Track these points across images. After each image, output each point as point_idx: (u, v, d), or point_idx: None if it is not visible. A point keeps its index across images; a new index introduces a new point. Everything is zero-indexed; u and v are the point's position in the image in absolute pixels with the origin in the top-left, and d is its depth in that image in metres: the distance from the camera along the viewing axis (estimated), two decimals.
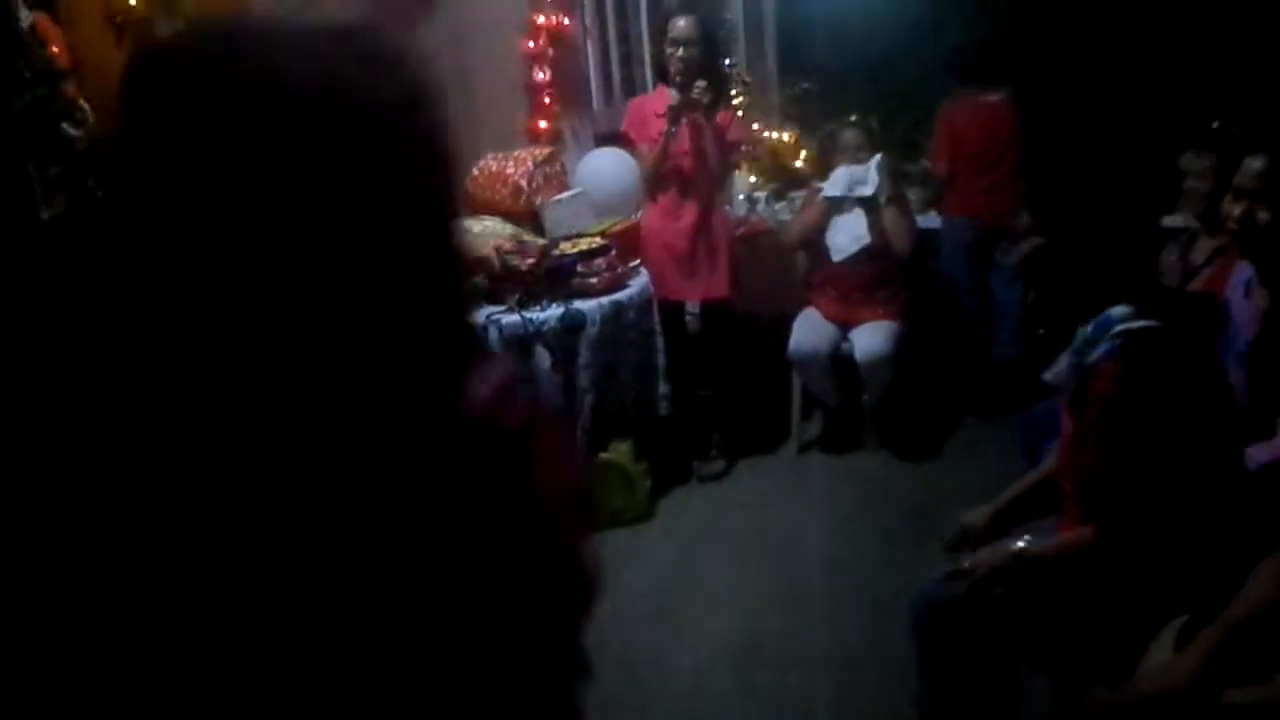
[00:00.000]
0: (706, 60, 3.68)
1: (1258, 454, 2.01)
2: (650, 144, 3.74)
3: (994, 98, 4.19)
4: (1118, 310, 1.80)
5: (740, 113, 3.90)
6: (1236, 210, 2.05)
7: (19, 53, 2.23)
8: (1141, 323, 1.76)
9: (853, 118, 4.18)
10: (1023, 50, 4.35)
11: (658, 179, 3.80)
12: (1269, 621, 1.34)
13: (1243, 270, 2.19)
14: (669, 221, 3.81)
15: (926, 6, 5.18)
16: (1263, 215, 2.03)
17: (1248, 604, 1.36)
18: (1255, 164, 2.04)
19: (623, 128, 3.94)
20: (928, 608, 2.01)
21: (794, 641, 2.86)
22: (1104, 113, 4.51)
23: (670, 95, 3.66)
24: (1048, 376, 2.00)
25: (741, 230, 4.33)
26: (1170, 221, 3.31)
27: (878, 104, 4.90)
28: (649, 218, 3.91)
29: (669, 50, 3.68)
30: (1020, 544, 1.89)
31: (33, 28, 2.26)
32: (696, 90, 3.58)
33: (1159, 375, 1.74)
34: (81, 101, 2.39)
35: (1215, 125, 3.27)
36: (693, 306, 3.94)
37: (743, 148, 4.24)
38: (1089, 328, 1.84)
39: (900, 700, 2.47)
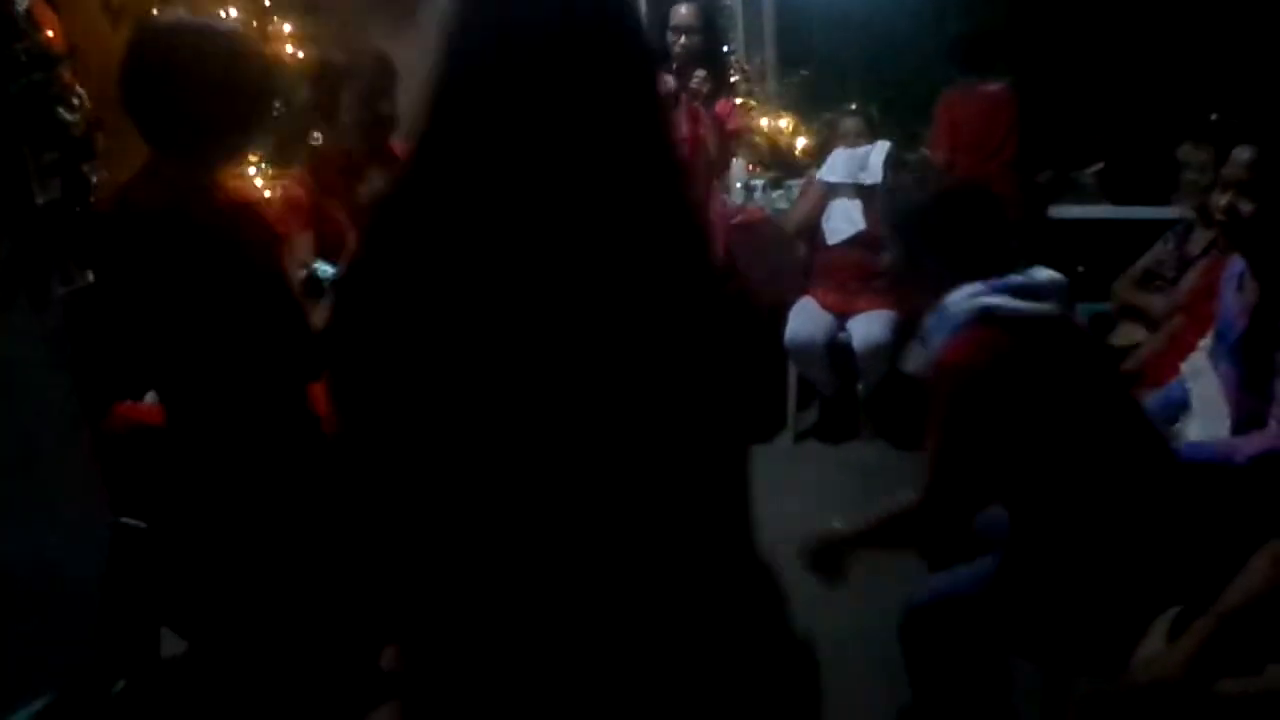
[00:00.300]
0: (707, 48, 3.67)
1: (1247, 445, 2.02)
2: None
3: (994, 87, 4.18)
4: (956, 295, 1.81)
5: (739, 101, 3.88)
6: (1223, 201, 2.05)
7: (15, 37, 2.21)
8: (978, 303, 1.78)
9: (852, 106, 4.18)
10: (1024, 40, 4.33)
11: None
12: (1261, 612, 1.35)
13: (1235, 264, 2.19)
14: None
15: None
16: (1245, 207, 2.02)
17: (1240, 595, 1.37)
18: (1243, 155, 2.04)
19: None
20: (908, 612, 2.02)
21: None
22: (1104, 103, 4.51)
23: (667, 83, 3.66)
24: (907, 367, 2.00)
25: (739, 218, 4.32)
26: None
27: (877, 92, 4.88)
28: None
29: (670, 38, 3.67)
30: (834, 524, 1.96)
31: (29, 12, 2.25)
32: (696, 79, 3.57)
33: (987, 359, 1.75)
34: (77, 87, 2.38)
35: (1214, 117, 3.27)
36: None
37: (742, 136, 4.24)
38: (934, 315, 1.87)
39: (890, 690, 2.48)
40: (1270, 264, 2.05)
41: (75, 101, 2.35)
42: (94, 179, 2.42)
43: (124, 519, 2.30)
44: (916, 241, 1.92)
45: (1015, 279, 1.83)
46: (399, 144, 2.76)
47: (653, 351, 0.86)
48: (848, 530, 1.93)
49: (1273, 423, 1.99)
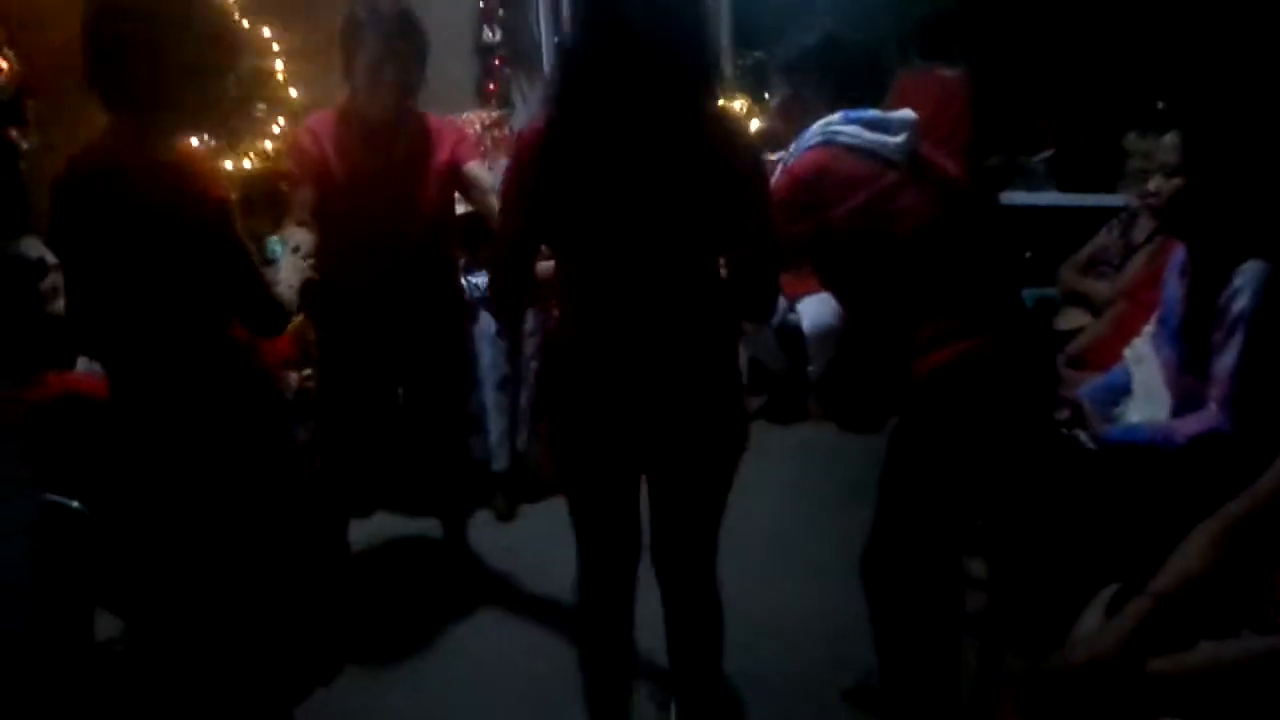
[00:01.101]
0: None
1: (1184, 426, 2.05)
2: None
3: (949, 73, 4.18)
4: (816, 124, 2.04)
5: None
6: (1166, 186, 2.09)
7: None
8: (828, 129, 2.02)
9: None
10: (978, 26, 4.34)
11: None
12: (1197, 592, 1.37)
13: (1179, 253, 2.23)
14: None
15: None
16: (1172, 184, 2.07)
17: (1174, 575, 1.38)
18: (1172, 139, 2.09)
19: None
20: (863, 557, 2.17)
21: (736, 609, 2.86)
22: (1056, 91, 4.54)
23: None
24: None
25: None
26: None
27: None
28: None
29: None
30: None
31: None
32: None
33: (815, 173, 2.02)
34: (4, 49, 2.29)
35: (1160, 106, 3.31)
36: None
37: None
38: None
39: (840, 665, 2.51)
40: (1206, 247, 2.08)
41: (1, 65, 2.26)
42: (24, 145, 2.34)
43: (52, 496, 2.23)
44: (799, 78, 2.14)
45: (870, 113, 2.03)
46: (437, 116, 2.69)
47: (683, 198, 1.72)
48: None
49: (1211, 404, 2.02)
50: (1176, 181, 2.38)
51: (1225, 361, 1.99)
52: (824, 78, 2.09)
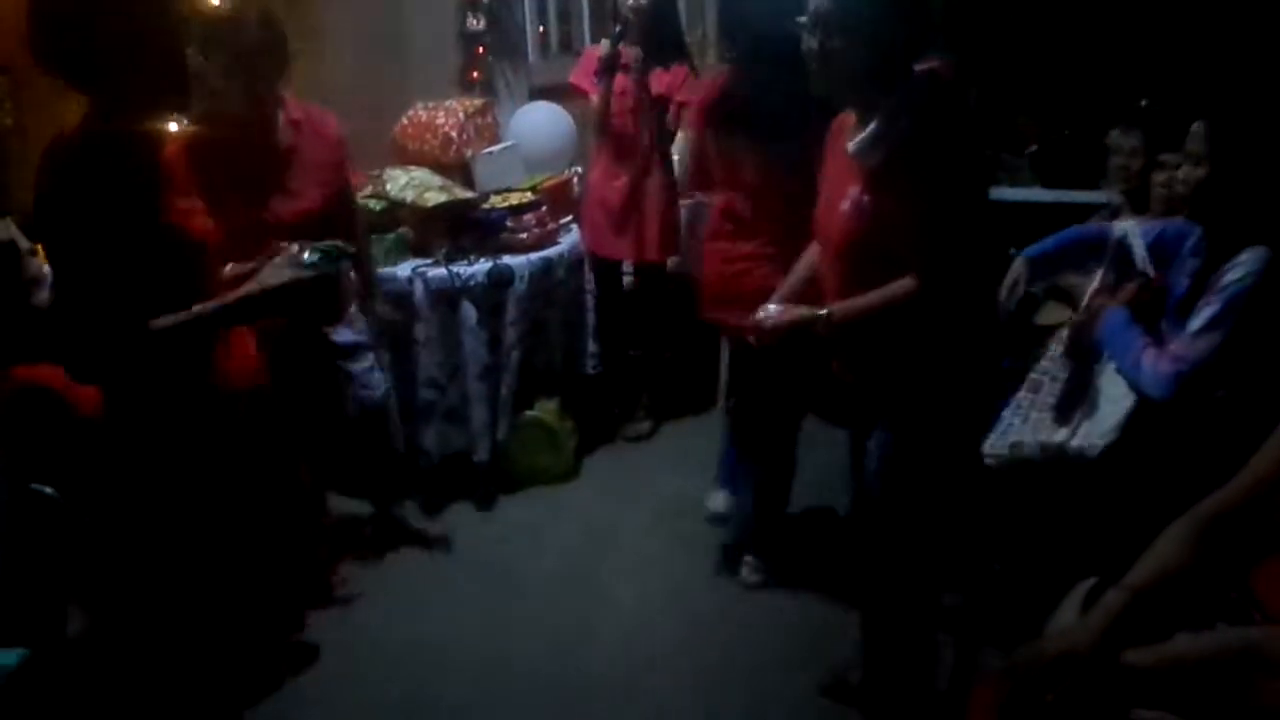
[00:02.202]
0: (658, 12, 3.60)
1: (1151, 359, 2.10)
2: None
3: (933, 63, 4.17)
4: None
5: (691, 73, 3.81)
6: (1180, 174, 2.14)
7: None
8: None
9: None
10: (963, 20, 4.34)
11: (600, 133, 3.74)
12: (1172, 586, 1.37)
13: (1193, 234, 2.25)
14: (608, 179, 3.75)
15: None
16: (1199, 173, 2.18)
17: (1150, 569, 1.38)
18: (1198, 128, 2.12)
19: (571, 78, 3.85)
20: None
21: (715, 600, 2.87)
22: (1037, 88, 4.55)
23: (601, 48, 3.61)
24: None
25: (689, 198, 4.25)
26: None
27: None
28: (593, 172, 3.84)
29: (620, 1, 3.62)
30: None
31: None
32: (610, 43, 3.53)
33: None
34: None
35: (1144, 103, 3.32)
36: (629, 266, 3.90)
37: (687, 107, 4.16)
38: None
39: (816, 656, 2.51)
40: (1223, 231, 2.10)
41: None
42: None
43: (35, 485, 2.21)
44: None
45: None
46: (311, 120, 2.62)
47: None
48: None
49: (1175, 345, 2.07)
50: (1201, 171, 2.41)
51: (1194, 323, 2.04)
52: None
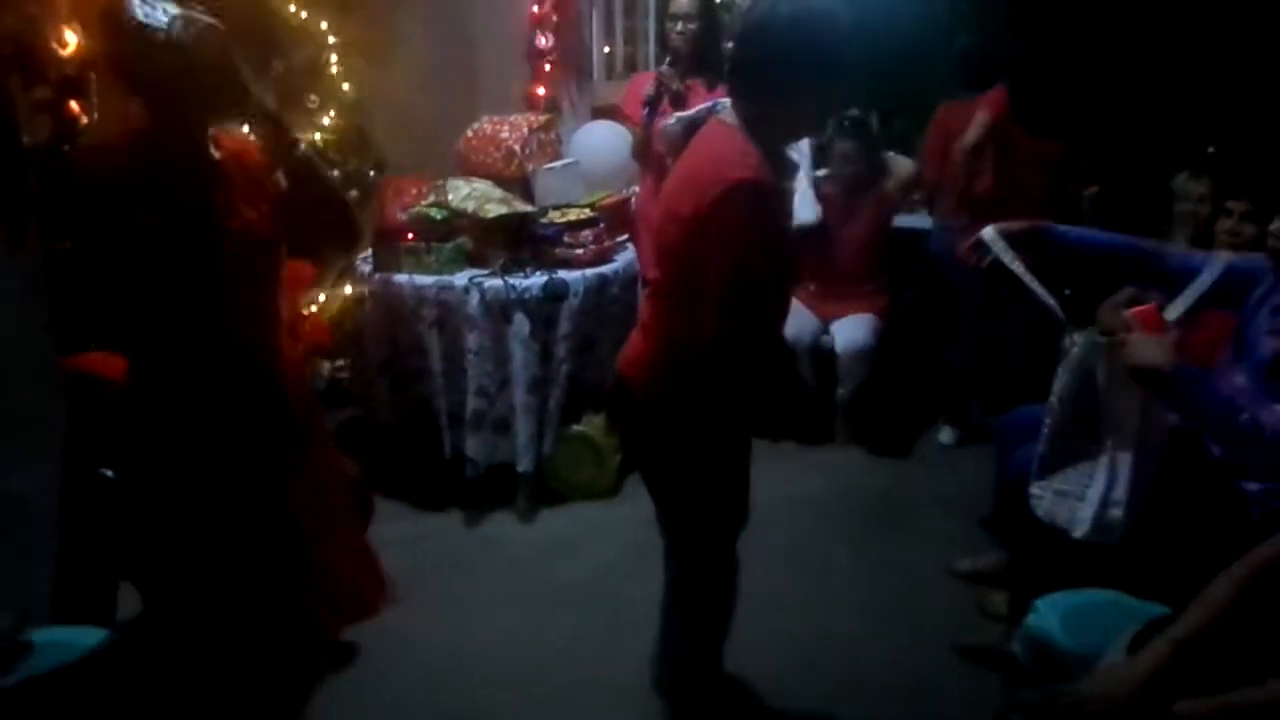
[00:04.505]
0: (705, 38, 3.64)
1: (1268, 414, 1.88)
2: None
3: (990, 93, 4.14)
4: None
5: None
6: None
7: None
8: None
9: (853, 112, 4.17)
10: (1024, 57, 4.31)
11: (644, 159, 3.77)
12: (1218, 637, 1.35)
13: (1266, 283, 2.18)
14: (651, 203, 3.79)
15: (943, 7, 5.11)
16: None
17: (1198, 620, 1.37)
18: None
19: (620, 102, 3.90)
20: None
21: (751, 627, 2.86)
22: (1101, 129, 4.51)
23: (649, 86, 3.66)
24: None
25: None
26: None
27: (878, 102, 4.86)
28: (640, 195, 3.89)
29: (669, 25, 3.66)
30: None
31: None
32: (664, 74, 3.57)
33: None
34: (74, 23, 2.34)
35: (1211, 150, 3.28)
36: None
37: None
38: None
39: (852, 685, 2.50)
40: None
41: (69, 37, 2.31)
42: (84, 119, 2.38)
43: (102, 470, 2.27)
44: None
45: None
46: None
47: None
48: None
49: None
50: None
51: None
52: None
